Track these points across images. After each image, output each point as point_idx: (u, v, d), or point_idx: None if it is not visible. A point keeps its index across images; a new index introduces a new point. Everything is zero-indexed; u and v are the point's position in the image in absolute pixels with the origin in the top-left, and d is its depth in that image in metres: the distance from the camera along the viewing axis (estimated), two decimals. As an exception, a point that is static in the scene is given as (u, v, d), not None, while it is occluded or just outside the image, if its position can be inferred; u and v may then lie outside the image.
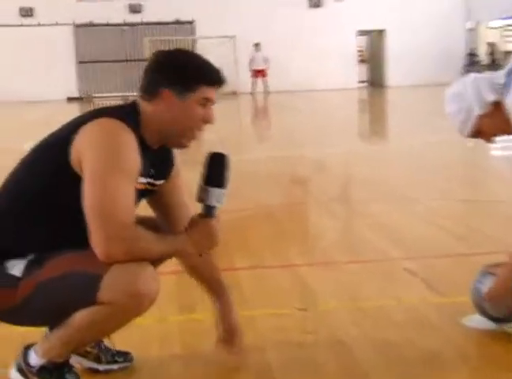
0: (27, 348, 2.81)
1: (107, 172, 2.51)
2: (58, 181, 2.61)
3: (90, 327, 2.61)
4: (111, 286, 2.50)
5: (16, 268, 2.61)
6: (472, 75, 3.35)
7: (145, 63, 2.85)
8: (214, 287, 3.16)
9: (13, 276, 2.60)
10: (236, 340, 3.12)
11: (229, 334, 3.11)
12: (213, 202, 2.72)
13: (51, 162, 2.63)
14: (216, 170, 2.73)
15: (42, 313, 2.66)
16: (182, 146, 2.81)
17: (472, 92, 3.25)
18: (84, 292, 2.53)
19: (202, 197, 2.72)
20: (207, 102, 2.73)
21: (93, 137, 2.56)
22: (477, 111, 3.24)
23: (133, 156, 2.58)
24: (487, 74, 3.35)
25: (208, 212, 2.73)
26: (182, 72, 2.70)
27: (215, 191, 2.71)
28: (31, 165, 2.71)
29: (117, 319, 2.61)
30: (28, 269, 2.60)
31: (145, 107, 2.72)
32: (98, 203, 2.49)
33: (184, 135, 2.76)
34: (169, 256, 2.72)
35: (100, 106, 2.92)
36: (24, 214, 2.66)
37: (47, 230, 2.66)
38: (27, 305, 2.60)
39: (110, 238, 2.48)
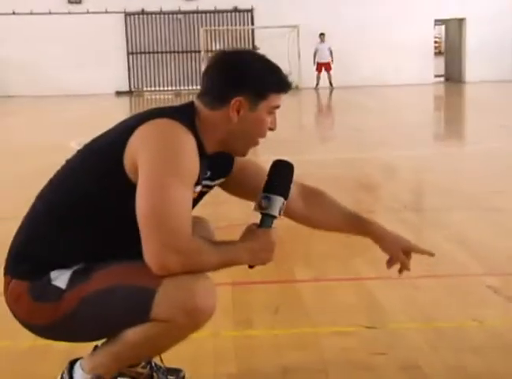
0: (72, 363, 2.82)
1: (164, 177, 2.49)
2: (108, 186, 2.60)
3: (143, 344, 2.61)
4: (166, 302, 2.50)
5: (61, 279, 2.60)
6: None
7: (201, 55, 2.85)
8: (354, 226, 3.19)
9: (56, 288, 2.59)
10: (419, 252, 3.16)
11: (408, 255, 3.15)
12: (275, 212, 2.71)
13: (102, 167, 2.62)
14: (281, 179, 2.75)
15: (87, 329, 2.66)
16: (242, 154, 2.84)
17: None
18: (137, 308, 2.54)
19: (264, 206, 2.71)
20: (275, 109, 2.75)
21: (149, 139, 2.55)
22: None
23: (192, 160, 2.57)
24: None
25: (268, 222, 2.71)
26: (256, 80, 2.69)
27: (279, 200, 2.71)
28: (79, 169, 2.70)
29: (172, 336, 2.62)
30: (73, 281, 2.60)
31: (206, 113, 2.70)
32: (153, 210, 2.47)
33: (249, 144, 2.78)
34: (223, 268, 2.67)
35: (151, 100, 2.91)
36: (70, 220, 2.65)
37: (94, 238, 2.66)
38: (70, 320, 2.60)
39: (165, 249, 2.46)
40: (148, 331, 2.56)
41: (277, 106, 2.75)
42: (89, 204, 2.62)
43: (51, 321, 2.62)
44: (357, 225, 3.18)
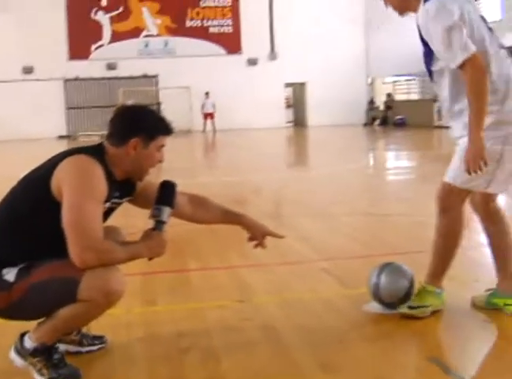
0: (22, 335, 2.78)
1: (81, 198, 2.52)
2: (41, 206, 2.60)
3: (73, 319, 2.62)
4: (88, 287, 2.51)
5: (10, 274, 2.58)
6: None
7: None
8: (230, 219, 3.23)
9: (7, 281, 2.57)
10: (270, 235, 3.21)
11: (263, 237, 3.20)
12: (164, 218, 2.75)
13: (36, 191, 2.61)
14: (167, 194, 2.79)
15: (32, 310, 2.63)
16: (140, 180, 2.87)
17: None
18: (67, 293, 2.54)
19: (156, 214, 2.74)
20: (162, 147, 2.78)
21: (70, 170, 2.57)
22: None
23: (101, 185, 2.59)
24: None
25: (160, 226, 2.74)
26: (147, 126, 2.72)
27: (166, 209, 2.75)
28: (19, 195, 2.68)
29: (93, 312, 2.62)
30: (19, 275, 2.57)
31: (112, 150, 2.72)
32: (75, 222, 2.50)
33: (144, 173, 2.81)
34: (129, 261, 2.68)
35: (84, 142, 2.89)
36: (15, 232, 2.63)
37: (34, 244, 2.63)
38: (19, 304, 2.58)
39: (84, 249, 2.48)
40: (76, 309, 2.56)
41: (164, 145, 2.79)
42: (28, 220, 2.61)
43: (5, 306, 2.59)
44: (232, 218, 3.23)
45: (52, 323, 2.64)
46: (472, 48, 3.02)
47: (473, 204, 3.41)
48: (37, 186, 2.60)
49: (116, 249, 2.59)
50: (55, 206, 2.53)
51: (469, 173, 3.08)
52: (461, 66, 3.03)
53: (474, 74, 3.01)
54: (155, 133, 2.73)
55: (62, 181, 2.54)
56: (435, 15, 3.07)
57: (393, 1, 3.29)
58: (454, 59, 3.04)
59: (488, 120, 3.08)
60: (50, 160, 2.70)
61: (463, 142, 3.17)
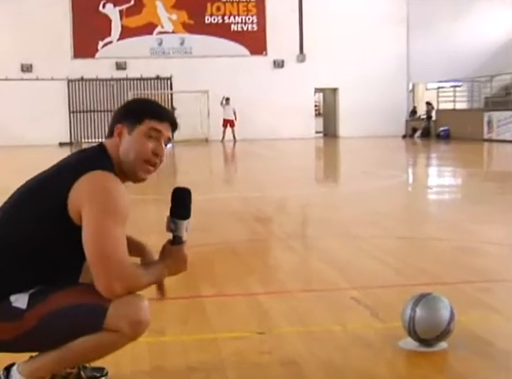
0: (8, 368, 2.73)
1: (107, 223, 2.51)
2: (55, 228, 2.57)
3: (92, 350, 2.60)
4: (116, 315, 2.52)
5: (20, 300, 2.54)
6: None
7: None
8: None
9: (17, 309, 2.54)
10: None
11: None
12: (182, 233, 2.75)
13: (48, 215, 2.56)
14: (181, 204, 2.75)
15: (46, 340, 2.58)
16: (138, 180, 2.78)
17: None
18: (93, 321, 2.53)
19: (172, 228, 2.74)
20: (154, 134, 2.71)
21: (91, 192, 2.53)
22: None
23: (125, 204, 2.58)
24: None
25: (178, 240, 2.75)
26: (131, 108, 2.78)
27: (183, 223, 2.74)
28: (24, 213, 2.61)
29: (117, 343, 2.62)
30: (32, 301, 2.54)
31: (108, 145, 2.72)
32: (101, 252, 2.50)
33: (137, 167, 2.72)
34: (153, 284, 2.73)
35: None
36: (20, 255, 2.58)
37: (43, 268, 2.61)
38: (32, 334, 2.54)
39: (113, 280, 2.50)
40: (100, 340, 2.55)
41: (155, 130, 2.71)
42: (37, 243, 2.58)
43: (12, 337, 2.55)
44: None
45: (59, 354, 2.59)
46: None
47: None
48: (50, 209, 2.56)
49: (141, 274, 2.60)
50: (71, 229, 2.54)
51: None
52: None
53: None
54: (141, 116, 2.70)
55: (82, 205, 2.51)
56: None
57: None
58: None
59: None
60: (57, 174, 2.66)
61: None
